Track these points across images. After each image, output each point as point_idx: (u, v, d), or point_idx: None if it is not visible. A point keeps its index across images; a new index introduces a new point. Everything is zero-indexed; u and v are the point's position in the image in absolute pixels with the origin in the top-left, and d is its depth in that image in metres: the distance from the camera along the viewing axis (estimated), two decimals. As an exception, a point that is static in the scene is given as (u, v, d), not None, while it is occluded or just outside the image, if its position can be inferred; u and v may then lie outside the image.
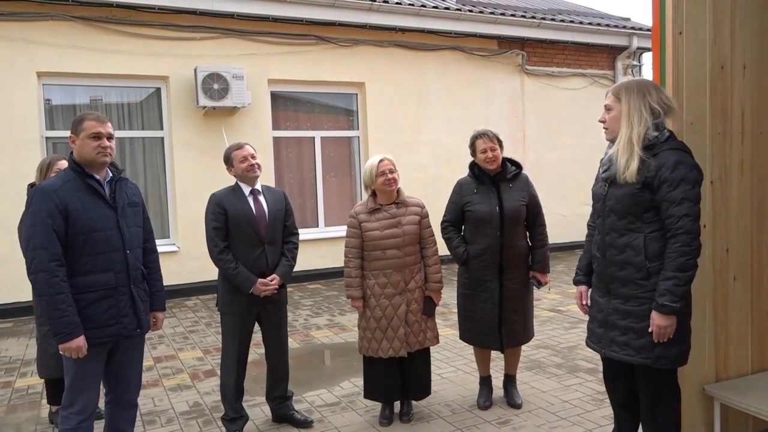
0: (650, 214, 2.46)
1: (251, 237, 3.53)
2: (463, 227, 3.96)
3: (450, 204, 3.96)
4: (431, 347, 3.81)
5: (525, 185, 3.89)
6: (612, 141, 2.60)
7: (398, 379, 3.73)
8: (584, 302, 2.85)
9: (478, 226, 3.80)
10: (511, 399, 3.94)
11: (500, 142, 3.82)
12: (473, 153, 3.85)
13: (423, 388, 3.81)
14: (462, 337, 4.00)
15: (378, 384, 3.73)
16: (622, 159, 2.45)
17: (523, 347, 4.17)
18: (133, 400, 3.00)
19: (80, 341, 2.60)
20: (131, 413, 3.00)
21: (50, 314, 2.57)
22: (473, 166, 3.89)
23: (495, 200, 3.77)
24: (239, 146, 3.63)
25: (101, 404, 3.11)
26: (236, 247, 3.52)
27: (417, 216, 3.68)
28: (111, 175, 2.83)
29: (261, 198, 3.64)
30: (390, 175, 3.61)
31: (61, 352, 2.65)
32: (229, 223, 3.51)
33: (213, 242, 3.51)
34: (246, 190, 3.61)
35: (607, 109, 2.58)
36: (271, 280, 3.54)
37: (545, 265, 3.91)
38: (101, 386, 2.87)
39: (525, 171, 3.97)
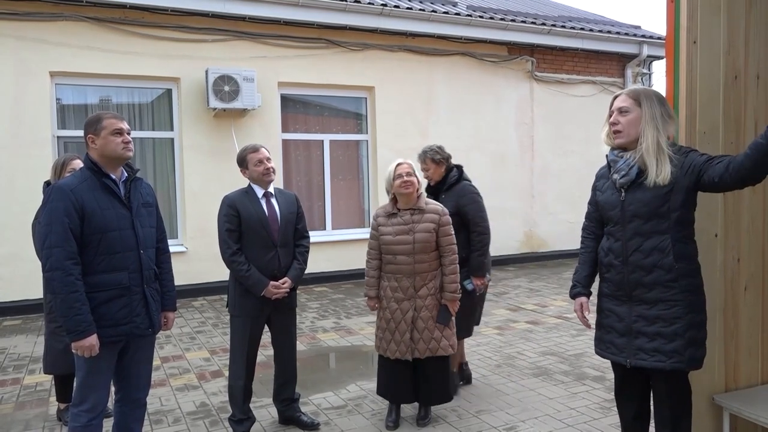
0: (677, 213, 2.44)
1: (264, 239, 3.54)
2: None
3: None
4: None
5: (456, 196, 4.04)
6: (620, 147, 2.57)
7: (410, 381, 3.71)
8: (586, 313, 2.74)
9: None
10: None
11: (433, 161, 4.19)
12: None
13: (440, 396, 3.75)
14: None
15: (388, 383, 3.74)
16: (651, 162, 2.43)
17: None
18: (143, 399, 3.01)
19: (93, 339, 2.62)
20: (140, 412, 3.01)
21: (64, 312, 2.59)
22: None
23: None
24: (255, 149, 3.63)
25: (110, 403, 3.13)
26: (249, 249, 3.53)
27: (432, 224, 3.59)
28: (126, 174, 2.85)
29: (273, 201, 3.65)
30: (406, 178, 3.57)
31: (73, 350, 2.66)
32: (241, 226, 3.52)
33: (226, 244, 3.52)
34: (259, 192, 3.62)
35: (623, 111, 2.51)
36: (283, 283, 3.55)
37: (477, 269, 4.04)
38: (111, 385, 2.88)
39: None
